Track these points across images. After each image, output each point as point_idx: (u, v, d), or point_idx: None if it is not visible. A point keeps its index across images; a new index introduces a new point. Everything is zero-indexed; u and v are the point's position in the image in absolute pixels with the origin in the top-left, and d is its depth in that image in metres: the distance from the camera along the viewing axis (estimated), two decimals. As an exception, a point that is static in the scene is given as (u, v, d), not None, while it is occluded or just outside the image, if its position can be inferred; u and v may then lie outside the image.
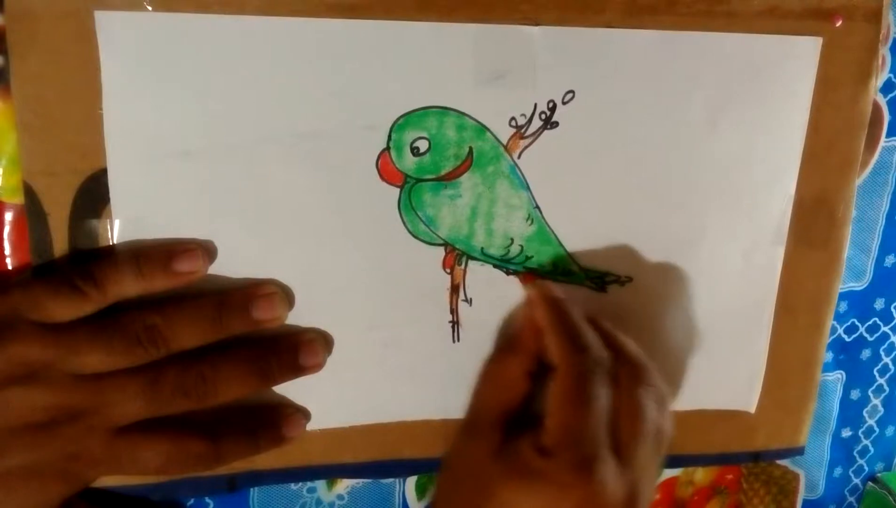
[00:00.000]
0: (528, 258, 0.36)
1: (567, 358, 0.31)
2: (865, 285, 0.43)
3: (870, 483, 0.49)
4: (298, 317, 0.34)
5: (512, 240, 0.35)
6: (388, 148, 0.33)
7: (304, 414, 0.35)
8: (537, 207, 0.35)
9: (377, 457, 0.37)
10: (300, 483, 0.38)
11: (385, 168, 0.33)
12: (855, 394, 0.46)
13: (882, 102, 0.40)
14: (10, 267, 0.32)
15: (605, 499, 0.29)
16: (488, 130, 0.33)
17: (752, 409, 0.41)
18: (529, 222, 0.35)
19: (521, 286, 0.36)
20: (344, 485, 0.39)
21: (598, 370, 0.31)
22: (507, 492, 0.29)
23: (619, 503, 0.29)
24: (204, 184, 0.32)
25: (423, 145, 0.33)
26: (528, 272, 0.36)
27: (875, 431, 0.47)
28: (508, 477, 0.29)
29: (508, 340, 0.35)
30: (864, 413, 0.47)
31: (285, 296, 0.33)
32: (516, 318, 0.36)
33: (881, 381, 0.46)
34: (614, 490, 0.29)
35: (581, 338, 0.32)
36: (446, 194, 0.34)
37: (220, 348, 0.32)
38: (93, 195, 0.31)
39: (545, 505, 0.29)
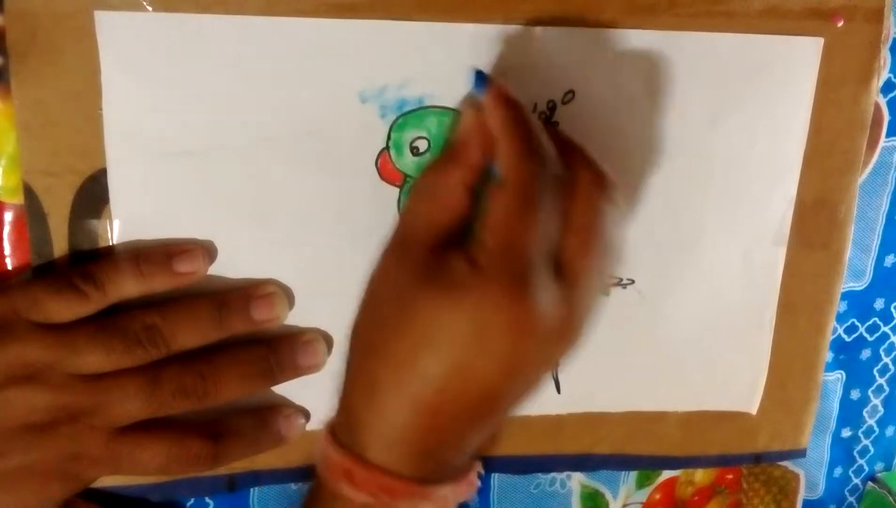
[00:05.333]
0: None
1: (520, 169, 0.27)
2: (865, 285, 0.43)
3: (870, 483, 0.48)
4: (298, 317, 0.34)
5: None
6: (387, 148, 0.33)
7: (304, 414, 0.35)
8: (537, 207, 0.35)
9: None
10: (300, 483, 0.38)
11: (385, 168, 0.33)
12: (855, 394, 0.46)
13: (882, 102, 0.40)
14: (10, 267, 0.32)
15: (538, 321, 0.26)
16: (488, 130, 0.33)
17: (754, 410, 0.41)
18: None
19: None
20: (344, 485, 0.39)
21: (550, 182, 0.28)
22: (433, 309, 0.26)
23: (554, 327, 0.27)
24: (204, 184, 0.32)
25: (422, 145, 0.33)
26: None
27: (875, 431, 0.47)
28: (433, 293, 0.26)
29: (448, 148, 0.30)
30: (864, 413, 0.47)
31: (285, 296, 0.33)
32: (461, 124, 0.30)
33: (881, 381, 0.46)
34: (550, 310, 0.26)
35: (537, 147, 0.28)
36: (446, 194, 0.34)
37: (220, 348, 0.32)
38: (93, 195, 0.31)
39: (472, 323, 0.26)
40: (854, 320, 0.44)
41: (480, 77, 0.29)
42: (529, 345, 0.26)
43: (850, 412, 0.46)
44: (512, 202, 0.27)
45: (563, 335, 0.28)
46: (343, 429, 0.29)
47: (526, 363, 0.27)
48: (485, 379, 0.27)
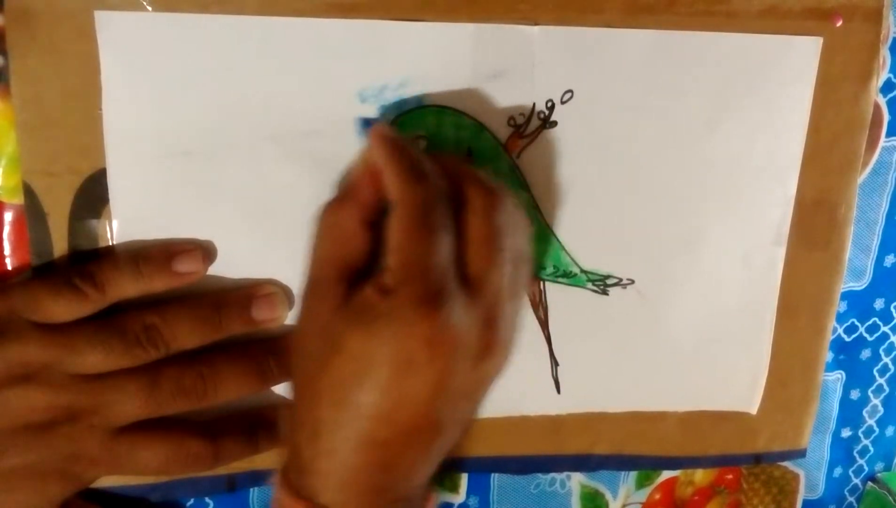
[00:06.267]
0: (527, 258, 0.36)
1: (405, 189, 0.28)
2: (865, 285, 0.43)
3: (870, 483, 0.48)
4: (298, 317, 0.34)
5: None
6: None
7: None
8: (536, 207, 0.35)
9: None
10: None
11: (385, 168, 0.33)
12: (855, 394, 0.46)
13: (882, 101, 0.40)
14: (10, 267, 0.32)
15: (455, 333, 0.27)
16: (487, 129, 0.33)
17: (754, 410, 0.41)
18: (529, 222, 0.35)
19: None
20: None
21: (438, 198, 0.28)
22: (354, 341, 0.27)
23: (473, 339, 0.27)
24: (204, 184, 0.32)
25: (421, 144, 0.33)
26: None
27: (875, 431, 0.47)
28: (353, 326, 0.27)
29: (343, 188, 0.32)
30: (864, 413, 0.47)
31: (285, 296, 0.33)
32: (351, 166, 0.32)
33: (881, 381, 0.46)
34: (464, 322, 0.27)
35: (419, 168, 0.29)
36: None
37: (219, 348, 0.32)
38: (92, 195, 0.31)
39: (392, 349, 0.26)
40: (854, 320, 0.44)
41: (365, 123, 0.31)
42: (452, 358, 0.27)
43: (850, 412, 0.46)
44: (406, 221, 0.28)
45: (486, 345, 0.28)
46: (293, 472, 0.29)
47: (452, 378, 0.27)
48: (417, 401, 0.27)
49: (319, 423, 0.28)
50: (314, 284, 0.29)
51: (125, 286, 0.31)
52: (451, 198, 0.29)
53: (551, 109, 0.34)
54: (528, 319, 0.37)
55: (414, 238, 0.27)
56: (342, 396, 0.27)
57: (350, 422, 0.27)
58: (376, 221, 0.29)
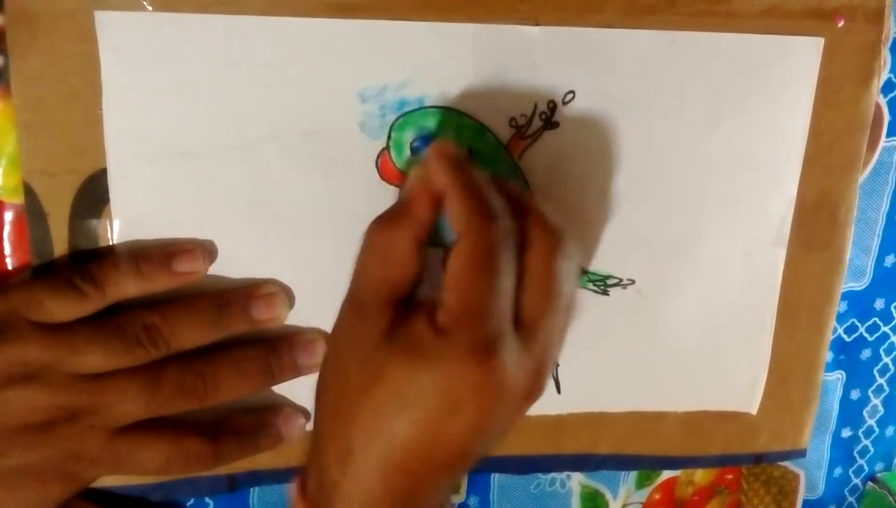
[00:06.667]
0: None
1: (472, 226, 0.27)
2: (865, 285, 0.43)
3: (870, 483, 0.49)
4: (298, 317, 0.34)
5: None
6: (387, 148, 0.33)
7: (304, 414, 0.35)
8: (537, 207, 0.35)
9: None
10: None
11: (385, 168, 0.33)
12: (855, 394, 0.46)
13: (882, 102, 0.40)
14: (10, 267, 0.32)
15: (506, 382, 0.26)
16: (488, 130, 0.33)
17: (754, 410, 0.41)
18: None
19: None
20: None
21: (506, 239, 0.28)
22: (400, 375, 0.26)
23: (521, 385, 0.27)
24: (204, 184, 0.32)
25: (423, 145, 0.33)
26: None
27: (875, 431, 0.47)
28: (401, 359, 0.27)
29: (397, 206, 0.30)
30: (864, 413, 0.47)
31: (285, 296, 0.33)
32: (407, 181, 0.31)
33: (881, 381, 0.46)
34: (516, 372, 0.27)
35: (489, 203, 0.28)
36: (446, 194, 0.34)
37: (220, 348, 0.32)
38: (93, 195, 0.31)
39: (440, 388, 0.26)
40: (854, 320, 0.44)
41: (423, 140, 0.30)
42: (497, 406, 0.27)
43: (850, 412, 0.46)
44: (470, 261, 0.27)
45: (531, 390, 0.28)
46: (315, 488, 0.29)
47: (495, 423, 0.27)
48: (455, 440, 0.27)
49: (351, 447, 0.27)
50: (359, 303, 0.29)
51: (125, 286, 0.31)
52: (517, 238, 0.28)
53: (553, 109, 0.34)
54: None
55: (476, 279, 0.27)
56: (379, 426, 0.27)
57: (383, 451, 0.27)
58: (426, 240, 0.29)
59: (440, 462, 0.27)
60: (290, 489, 0.30)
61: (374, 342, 0.27)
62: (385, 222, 0.29)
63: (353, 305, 0.29)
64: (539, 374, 0.28)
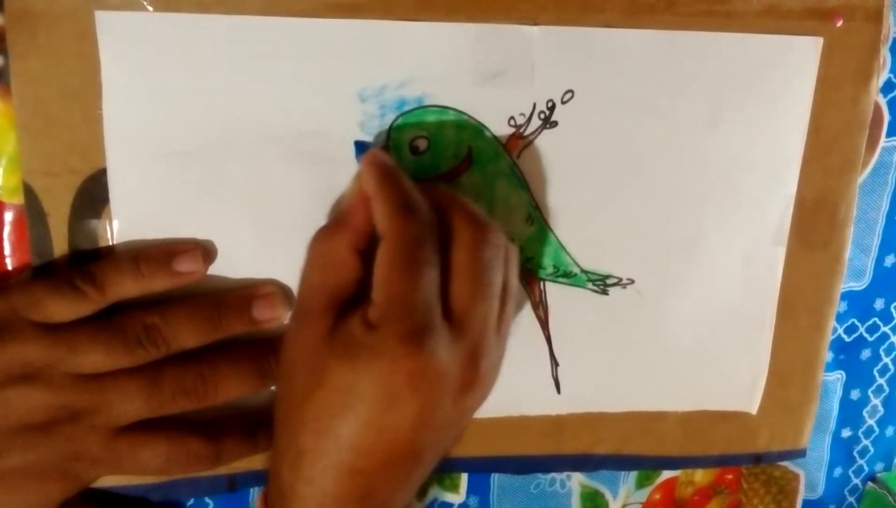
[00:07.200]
0: (528, 260, 0.36)
1: (393, 223, 0.28)
2: (865, 285, 0.43)
3: (870, 483, 0.48)
4: (298, 317, 0.34)
5: (512, 240, 0.35)
6: (387, 148, 0.33)
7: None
8: (537, 207, 0.35)
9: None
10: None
11: (385, 168, 0.33)
12: (855, 394, 0.46)
13: (882, 101, 0.40)
14: (10, 267, 0.32)
15: (438, 369, 0.27)
16: (487, 129, 0.33)
17: (754, 410, 0.41)
18: (529, 222, 0.35)
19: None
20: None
21: (426, 233, 0.28)
22: (338, 374, 0.27)
23: (456, 374, 0.28)
24: (204, 184, 0.32)
25: (422, 144, 0.33)
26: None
27: (875, 431, 0.47)
28: (338, 358, 0.27)
29: (336, 216, 0.32)
30: (864, 413, 0.47)
31: (285, 296, 0.33)
32: (344, 192, 0.32)
33: (881, 381, 0.46)
34: (448, 358, 0.27)
35: (409, 201, 0.29)
36: (446, 193, 0.34)
37: (220, 347, 0.32)
38: (93, 195, 0.31)
39: (375, 383, 0.27)
40: (854, 320, 0.44)
41: (360, 146, 0.31)
42: (433, 395, 0.27)
43: (850, 412, 0.46)
44: (392, 256, 0.28)
45: (468, 380, 0.28)
46: (274, 495, 0.29)
47: (434, 411, 0.28)
48: (399, 435, 0.27)
49: (301, 451, 0.28)
50: (302, 311, 0.30)
51: (125, 286, 0.31)
52: (439, 230, 0.29)
53: (552, 108, 0.34)
54: (528, 319, 0.37)
55: (400, 273, 0.28)
56: (324, 426, 0.27)
57: (331, 452, 0.27)
58: (369, 249, 0.29)
59: (388, 459, 0.28)
60: (256, 500, 0.30)
61: (316, 346, 0.28)
62: (324, 232, 0.31)
63: (298, 313, 0.30)
64: (474, 363, 0.28)
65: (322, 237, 0.30)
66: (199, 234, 0.32)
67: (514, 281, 0.31)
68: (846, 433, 0.47)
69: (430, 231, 0.29)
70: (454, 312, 0.28)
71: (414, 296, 0.27)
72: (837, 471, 0.48)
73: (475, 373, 0.29)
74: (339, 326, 0.28)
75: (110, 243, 0.32)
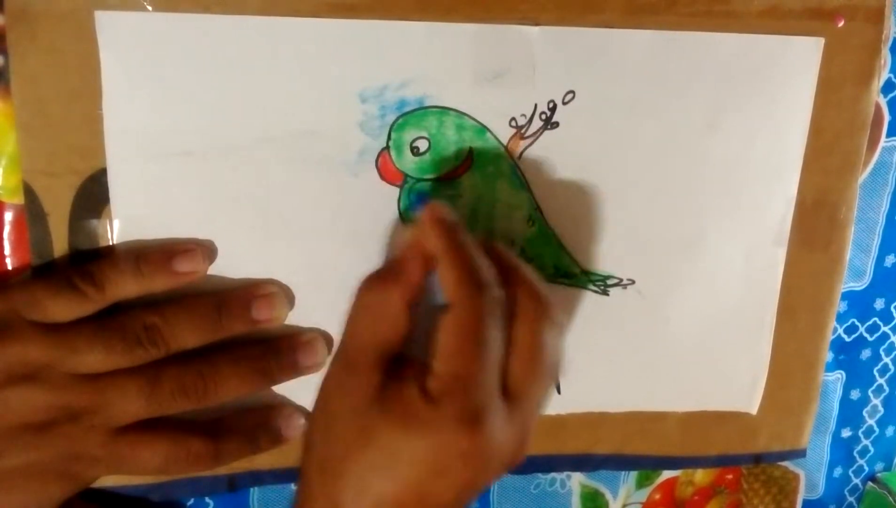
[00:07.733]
0: (529, 260, 0.36)
1: (463, 296, 0.28)
2: (865, 285, 0.43)
3: (870, 483, 0.49)
4: (298, 317, 0.34)
5: (513, 242, 0.35)
6: (387, 148, 0.33)
7: (304, 414, 0.35)
8: (538, 208, 0.35)
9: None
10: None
11: (385, 168, 0.33)
12: (855, 394, 0.46)
13: (882, 102, 0.40)
14: (10, 267, 0.32)
15: (492, 449, 0.27)
16: (488, 130, 0.33)
17: (754, 410, 0.41)
18: (530, 223, 0.35)
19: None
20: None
21: (496, 311, 0.28)
22: (391, 437, 0.27)
23: (506, 450, 0.28)
24: (204, 184, 0.32)
25: (422, 145, 0.33)
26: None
27: (875, 431, 0.47)
28: (392, 422, 0.27)
29: (390, 266, 0.31)
30: (864, 413, 0.47)
31: (285, 296, 0.33)
32: (400, 241, 0.32)
33: (881, 381, 0.46)
34: (501, 439, 0.28)
35: (479, 273, 0.29)
36: (446, 194, 0.34)
37: (220, 348, 0.32)
38: (93, 195, 0.31)
39: (429, 454, 0.27)
40: (854, 320, 0.44)
41: (418, 197, 0.32)
42: (482, 470, 0.28)
43: (850, 412, 0.46)
44: (460, 332, 0.28)
45: (512, 455, 0.29)
46: None
47: (480, 483, 0.28)
48: (441, 500, 0.28)
49: (338, 502, 0.28)
50: (350, 360, 0.30)
51: (125, 286, 0.31)
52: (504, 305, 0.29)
53: (553, 109, 0.34)
54: (529, 319, 0.37)
55: (466, 350, 0.28)
56: (366, 485, 0.27)
57: None
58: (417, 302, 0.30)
59: None
60: None
61: (365, 401, 0.28)
62: (377, 281, 0.30)
63: (344, 361, 0.30)
64: (523, 439, 0.29)
65: (375, 288, 0.30)
66: (199, 234, 0.32)
67: (560, 353, 0.31)
68: (846, 433, 0.47)
69: (500, 309, 0.29)
70: (511, 389, 0.29)
71: (478, 376, 0.27)
72: (837, 471, 0.48)
73: (523, 449, 0.29)
74: (391, 387, 0.28)
75: (110, 243, 0.32)
